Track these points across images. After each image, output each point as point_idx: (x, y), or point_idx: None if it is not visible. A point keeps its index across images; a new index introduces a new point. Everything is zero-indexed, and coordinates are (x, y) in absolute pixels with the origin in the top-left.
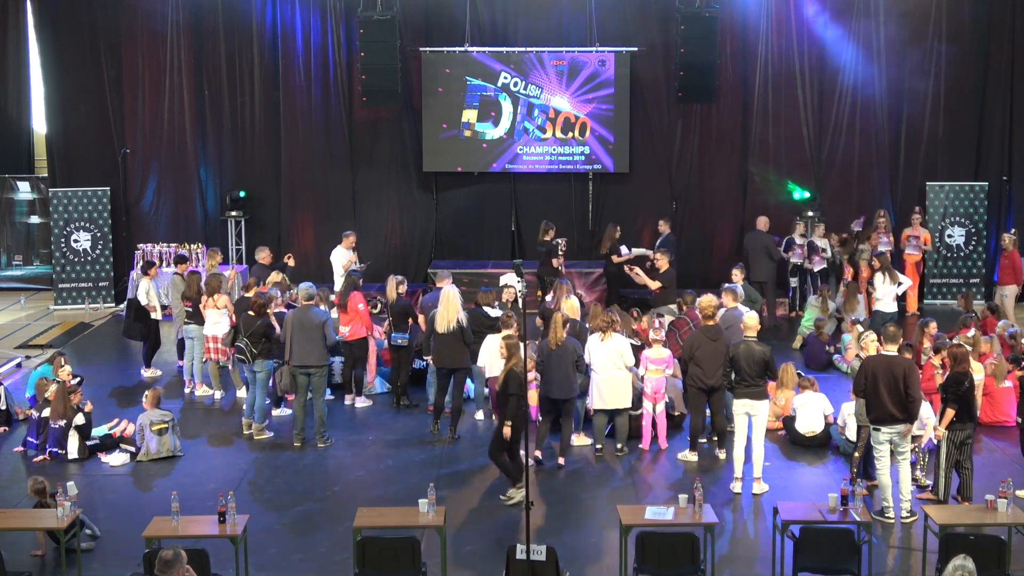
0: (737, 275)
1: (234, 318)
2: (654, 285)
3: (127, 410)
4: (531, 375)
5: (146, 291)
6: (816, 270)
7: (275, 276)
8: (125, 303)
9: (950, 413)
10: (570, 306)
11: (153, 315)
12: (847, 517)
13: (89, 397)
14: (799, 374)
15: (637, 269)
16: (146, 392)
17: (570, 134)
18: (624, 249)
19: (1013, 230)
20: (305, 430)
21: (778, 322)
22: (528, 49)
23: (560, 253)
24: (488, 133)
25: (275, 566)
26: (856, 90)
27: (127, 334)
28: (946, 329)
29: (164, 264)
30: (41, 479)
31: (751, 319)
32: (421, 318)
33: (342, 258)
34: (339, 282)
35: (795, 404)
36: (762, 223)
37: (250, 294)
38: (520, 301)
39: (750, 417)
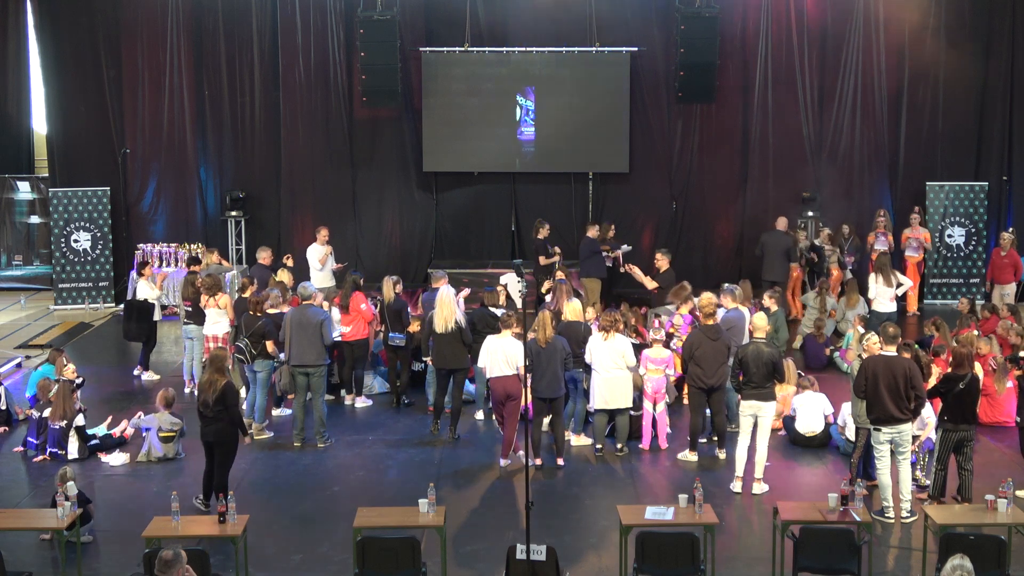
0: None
1: (232, 318)
2: (651, 285)
3: (127, 410)
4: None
5: (146, 290)
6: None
7: (282, 275)
8: (124, 305)
9: (938, 402)
10: (572, 308)
11: (155, 316)
12: (847, 517)
13: (89, 397)
14: (799, 374)
15: (636, 269)
16: (159, 392)
17: None
18: (625, 247)
19: (1011, 229)
20: (305, 430)
21: None
22: (528, 49)
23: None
24: (488, 133)
25: (275, 566)
26: (856, 90)
27: (127, 336)
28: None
29: (164, 264)
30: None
31: (759, 319)
32: (415, 325)
33: (317, 253)
34: (316, 277)
35: (795, 404)
36: (782, 224)
37: (247, 294)
38: (518, 300)
39: (756, 418)
